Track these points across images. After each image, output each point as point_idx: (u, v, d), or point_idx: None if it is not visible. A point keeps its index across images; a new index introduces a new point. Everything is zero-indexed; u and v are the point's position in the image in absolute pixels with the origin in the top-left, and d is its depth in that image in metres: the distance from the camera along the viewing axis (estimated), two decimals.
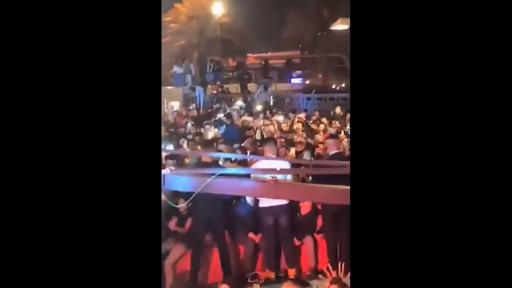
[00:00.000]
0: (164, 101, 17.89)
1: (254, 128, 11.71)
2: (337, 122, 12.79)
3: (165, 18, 27.83)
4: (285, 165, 5.83)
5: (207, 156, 6.27)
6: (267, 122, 12.49)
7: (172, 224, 6.10)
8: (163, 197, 5.87)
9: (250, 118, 13.53)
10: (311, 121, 13.25)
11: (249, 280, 5.07)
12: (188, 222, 6.01)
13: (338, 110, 15.26)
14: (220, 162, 6.87)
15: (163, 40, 28.58)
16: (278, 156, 7.03)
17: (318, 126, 12.54)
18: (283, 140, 9.52)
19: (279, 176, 4.92)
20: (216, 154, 7.09)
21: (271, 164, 5.40)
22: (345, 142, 8.38)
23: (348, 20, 12.57)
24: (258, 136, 10.50)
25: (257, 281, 5.10)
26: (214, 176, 4.40)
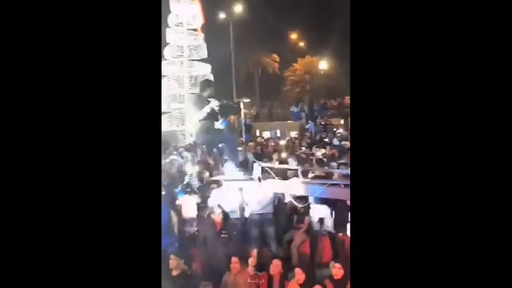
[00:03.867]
0: (285, 132, 18.26)
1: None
2: None
3: (286, 73, 30.09)
4: None
5: (320, 170, 6.25)
6: None
7: (294, 220, 6.11)
8: (290, 197, 6.00)
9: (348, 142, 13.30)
10: None
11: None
12: (306, 219, 5.95)
13: None
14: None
15: (284, 89, 30.39)
16: None
17: None
18: None
19: None
20: (326, 170, 7.00)
21: None
22: None
23: None
24: None
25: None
26: (326, 185, 4.39)
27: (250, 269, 4.57)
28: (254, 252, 4.76)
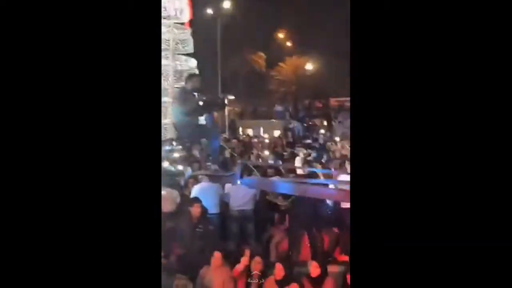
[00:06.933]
0: (269, 130, 18.33)
1: (334, 150, 11.64)
2: None
3: (272, 73, 30.22)
4: None
5: (302, 169, 6.31)
6: (345, 146, 12.39)
7: (276, 218, 6.17)
8: (271, 195, 6.02)
9: (330, 143, 13.44)
10: None
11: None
12: (287, 217, 5.99)
13: None
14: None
15: (270, 87, 30.45)
16: None
17: None
18: None
19: None
20: (309, 169, 7.06)
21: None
22: None
23: None
24: (337, 155, 10.38)
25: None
26: (307, 184, 4.44)
27: (240, 267, 4.57)
28: (248, 252, 4.77)
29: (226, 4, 23.32)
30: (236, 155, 7.89)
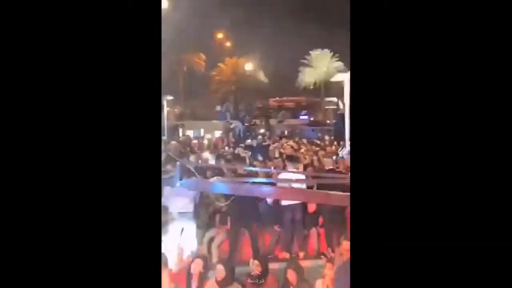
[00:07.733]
0: (209, 131, 18.24)
1: (273, 149, 11.82)
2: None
3: (212, 73, 30.21)
4: (301, 176, 5.81)
5: (241, 169, 6.34)
6: (285, 145, 12.62)
7: (217, 219, 6.14)
8: (212, 196, 5.98)
9: (270, 142, 13.63)
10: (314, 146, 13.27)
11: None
12: (228, 218, 5.98)
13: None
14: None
15: (211, 88, 30.32)
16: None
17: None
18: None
19: (296, 184, 5.00)
20: (249, 168, 7.11)
21: (290, 176, 5.39)
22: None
23: (344, 74, 12.00)
24: (276, 154, 10.53)
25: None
26: (248, 183, 4.45)
27: (175, 269, 4.50)
28: (181, 251, 4.70)
29: (164, 4, 22.90)
30: (175, 157, 7.76)
